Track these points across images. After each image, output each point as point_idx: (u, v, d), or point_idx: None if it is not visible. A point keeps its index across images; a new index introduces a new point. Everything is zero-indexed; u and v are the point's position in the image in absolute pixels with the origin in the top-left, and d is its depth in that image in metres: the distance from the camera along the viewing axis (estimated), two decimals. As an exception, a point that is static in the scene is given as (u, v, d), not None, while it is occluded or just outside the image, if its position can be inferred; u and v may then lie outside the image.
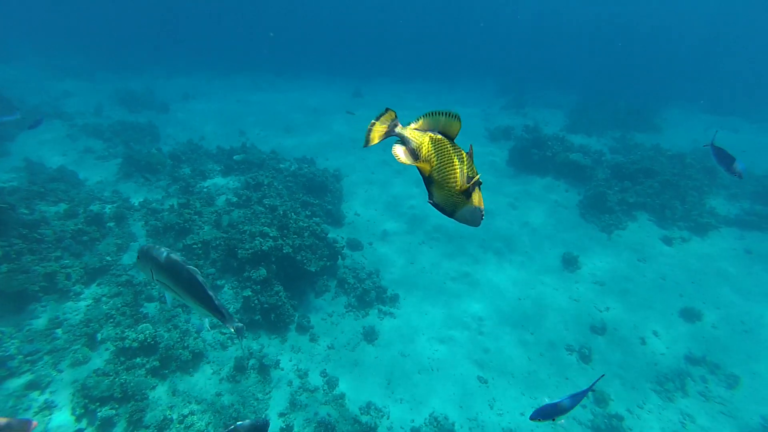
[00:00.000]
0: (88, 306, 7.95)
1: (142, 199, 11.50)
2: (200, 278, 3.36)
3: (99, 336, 7.38)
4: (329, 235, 10.36)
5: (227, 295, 8.82)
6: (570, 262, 11.27)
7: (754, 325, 9.84)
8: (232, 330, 3.36)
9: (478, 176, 1.98)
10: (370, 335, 8.79)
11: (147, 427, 6.25)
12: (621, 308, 10.11)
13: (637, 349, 9.19)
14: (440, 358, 8.58)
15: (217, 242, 9.61)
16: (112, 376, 6.68)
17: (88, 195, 11.65)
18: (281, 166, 13.93)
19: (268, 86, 28.42)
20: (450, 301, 9.98)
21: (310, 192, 12.76)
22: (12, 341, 6.95)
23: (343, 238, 11.15)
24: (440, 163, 2.02)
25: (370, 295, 9.57)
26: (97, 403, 6.32)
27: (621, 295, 10.48)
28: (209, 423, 6.54)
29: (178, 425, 6.40)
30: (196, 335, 7.84)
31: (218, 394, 7.05)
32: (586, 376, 8.52)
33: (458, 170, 1.98)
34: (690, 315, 9.92)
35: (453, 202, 2.01)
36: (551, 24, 53.39)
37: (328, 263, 9.86)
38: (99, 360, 7.05)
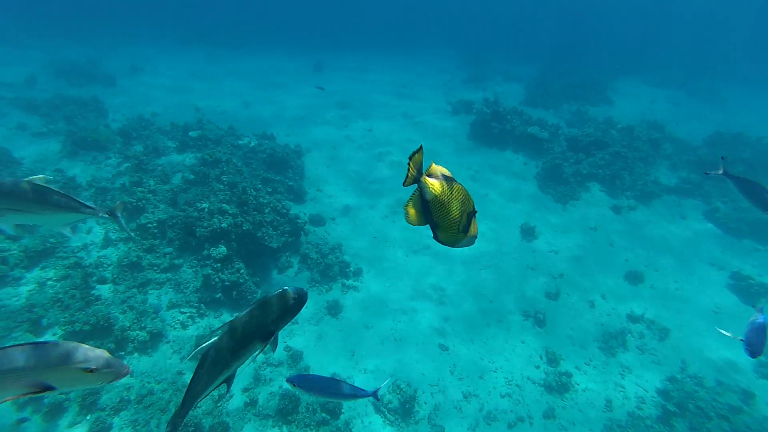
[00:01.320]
0: (30, 291, 7.56)
1: (89, 178, 10.88)
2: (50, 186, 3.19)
3: (45, 321, 7.06)
4: (291, 211, 10.24)
5: (186, 274, 8.62)
6: (528, 232, 11.72)
7: (684, 282, 10.73)
8: (106, 215, 3.17)
9: (473, 210, 2.27)
10: (333, 309, 8.88)
11: (102, 410, 6.12)
12: (574, 273, 10.69)
13: (586, 312, 9.79)
14: (403, 328, 8.82)
15: (174, 221, 9.30)
16: (64, 360, 6.44)
17: (26, 175, 10.87)
18: (240, 142, 13.50)
19: (224, 59, 27.09)
20: (412, 273, 10.20)
21: (271, 168, 12.48)
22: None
23: (305, 213, 11.06)
24: (446, 212, 2.27)
25: (333, 269, 9.62)
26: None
27: (574, 262, 11.06)
28: (170, 401, 6.48)
29: (136, 405, 6.31)
30: (154, 315, 7.66)
31: (179, 373, 6.98)
32: (540, 338, 9.02)
33: (458, 213, 2.25)
34: (633, 277, 10.65)
35: (455, 240, 2.34)
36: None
37: (290, 239, 9.78)
38: (49, 345, 6.76)
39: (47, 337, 6.87)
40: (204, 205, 9.38)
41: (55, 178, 10.90)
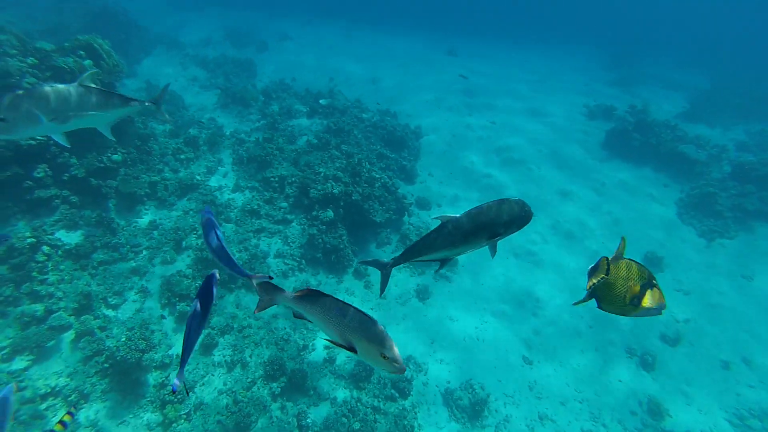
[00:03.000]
0: (178, 216, 8.90)
1: (233, 129, 12.33)
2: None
3: (184, 243, 8.28)
4: (399, 190, 10.39)
5: (295, 230, 9.33)
6: (653, 263, 10.25)
7: None
8: (153, 104, 3.87)
9: (649, 282, 2.22)
10: (422, 293, 8.87)
11: (213, 328, 7.02)
12: (707, 322, 9.08)
13: (716, 371, 8.28)
14: (489, 329, 8.47)
15: (293, 179, 10.10)
16: (190, 279, 7.51)
17: (190, 119, 12.73)
18: (364, 115, 14.00)
19: (362, 35, 28.17)
20: (510, 275, 9.67)
21: (388, 145, 12.76)
22: (123, 232, 8.05)
23: (413, 195, 11.14)
24: (608, 289, 2.33)
25: (428, 255, 9.57)
26: (177, 299, 7.20)
27: (709, 309, 9.38)
28: (263, 339, 7.18)
29: (237, 333, 7.11)
30: (262, 260, 8.48)
31: (274, 316, 7.67)
32: (643, 382, 7.92)
33: (622, 288, 2.24)
34: None
35: (624, 311, 2.30)
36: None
37: (394, 217, 9.95)
38: (182, 263, 7.94)
39: (183, 257, 8.05)
40: (321, 170, 10.00)
41: (208, 125, 12.59)
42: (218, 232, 3.89)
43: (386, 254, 9.69)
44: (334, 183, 9.43)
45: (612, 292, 2.28)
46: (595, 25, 37.04)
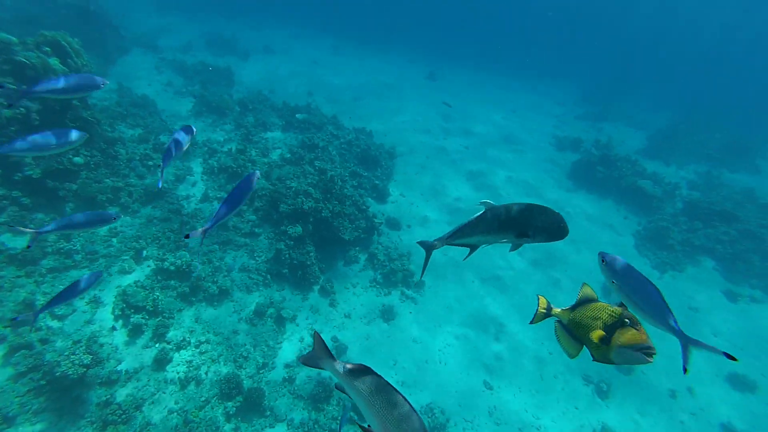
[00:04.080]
0: (141, 224, 8.62)
1: (205, 138, 12.14)
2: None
3: (144, 252, 8.00)
4: (371, 209, 10.44)
5: (262, 244, 9.20)
6: (605, 292, 10.63)
7: (805, 407, 8.88)
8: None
9: (621, 319, 2.15)
10: (387, 314, 8.86)
11: (168, 342, 6.76)
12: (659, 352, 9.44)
13: (664, 399, 8.59)
14: (451, 353, 8.51)
15: (264, 192, 9.99)
16: (148, 290, 7.26)
17: (161, 125, 12.46)
18: (339, 132, 14.10)
19: (347, 53, 28.52)
20: (473, 299, 9.80)
21: (361, 163, 12.86)
22: (79, 239, 7.71)
23: (383, 214, 11.21)
24: (583, 330, 2.31)
25: (396, 275, 9.61)
26: (132, 310, 6.92)
27: (659, 339, 9.76)
28: (221, 355, 6.96)
29: (194, 348, 6.87)
30: (226, 274, 8.30)
31: (235, 332, 7.47)
32: (597, 411, 8.12)
33: (592, 327, 2.21)
34: (740, 383, 9.08)
35: (603, 355, 2.22)
36: (657, 27, 48.82)
37: (363, 236, 9.97)
38: (141, 273, 7.67)
39: (143, 266, 7.76)
40: (293, 184, 9.95)
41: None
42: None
43: (353, 272, 9.66)
44: (304, 198, 9.40)
45: (580, 331, 2.30)
46: (578, 60, 38.93)
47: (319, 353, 2.51)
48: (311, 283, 8.88)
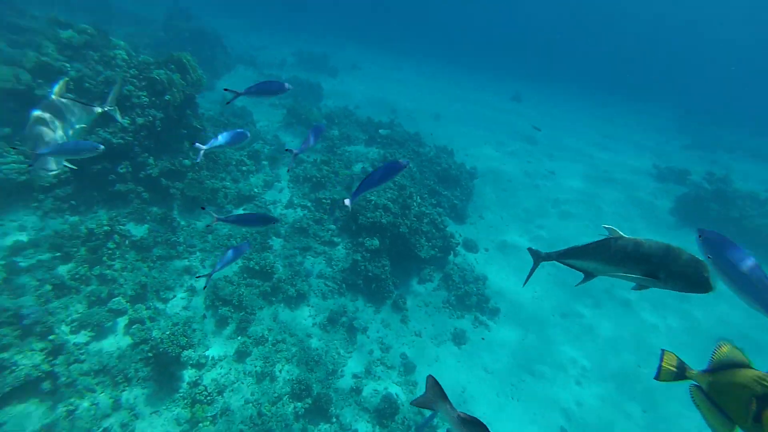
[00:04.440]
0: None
1: (294, 148, 12.89)
2: None
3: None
4: (448, 229, 10.30)
5: (339, 253, 9.44)
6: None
7: None
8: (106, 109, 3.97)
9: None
10: (459, 338, 8.59)
11: (249, 337, 7.15)
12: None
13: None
14: (526, 390, 7.98)
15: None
16: (235, 285, 7.77)
17: (255, 134, 13.48)
18: (421, 149, 14.20)
19: (432, 71, 28.93)
20: (552, 335, 9.16)
21: (441, 182, 12.80)
22: (182, 232, 8.53)
23: (461, 235, 11.00)
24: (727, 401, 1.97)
25: (470, 299, 9.32)
26: (220, 303, 7.44)
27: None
28: (295, 356, 7.19)
29: (271, 346, 7.19)
30: (304, 278, 8.62)
31: (308, 335, 7.69)
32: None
33: (742, 399, 1.88)
34: None
35: None
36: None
37: (439, 255, 9.84)
38: (229, 269, 8.24)
39: (232, 264, 8.32)
40: (372, 198, 10.15)
41: (272, 141, 13.27)
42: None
43: (426, 291, 9.53)
44: (383, 212, 9.53)
45: (725, 401, 1.95)
46: (678, 87, 35.82)
47: (433, 396, 2.43)
48: (384, 297, 8.90)
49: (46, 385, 5.54)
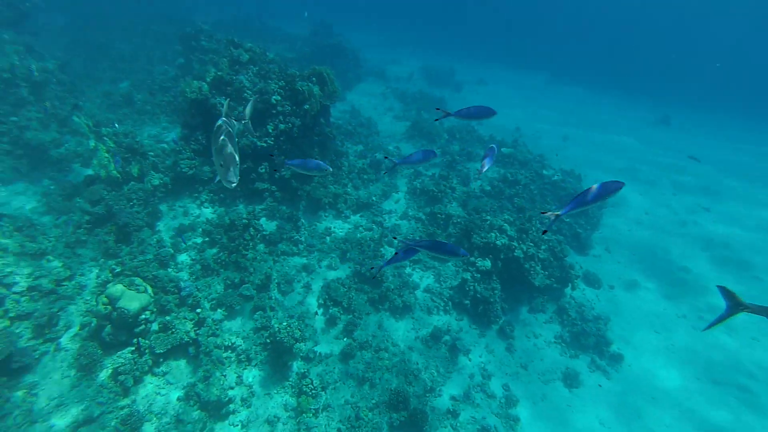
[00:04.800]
0: (349, 229, 9.86)
1: (414, 161, 13.16)
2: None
3: (348, 255, 9.09)
4: (567, 258, 9.48)
5: (449, 270, 9.33)
6: None
7: None
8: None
9: None
10: (571, 380, 7.79)
11: (354, 340, 7.45)
12: None
13: None
14: (647, 455, 6.88)
15: (459, 220, 10.18)
16: (346, 288, 8.19)
17: (378, 144, 14.13)
18: (545, 172, 13.35)
19: (562, 89, 27.23)
20: (697, 404, 7.75)
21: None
22: (304, 232, 9.34)
23: (581, 267, 10.04)
24: None
25: (588, 339, 8.41)
26: (332, 303, 7.91)
27: None
28: (395, 366, 7.28)
29: (373, 352, 7.38)
30: (411, 291, 8.70)
31: (410, 348, 7.72)
32: None
33: None
34: None
35: None
36: None
37: (555, 285, 9.10)
38: (342, 272, 8.73)
39: (344, 267, 8.84)
40: (488, 218, 9.83)
41: (393, 152, 13.75)
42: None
43: (537, 322, 8.87)
44: (498, 234, 9.16)
45: None
46: None
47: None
48: (490, 321, 8.53)
49: (192, 350, 6.49)
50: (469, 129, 16.12)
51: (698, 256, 11.06)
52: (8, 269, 6.72)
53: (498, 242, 9.00)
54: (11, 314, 6.24)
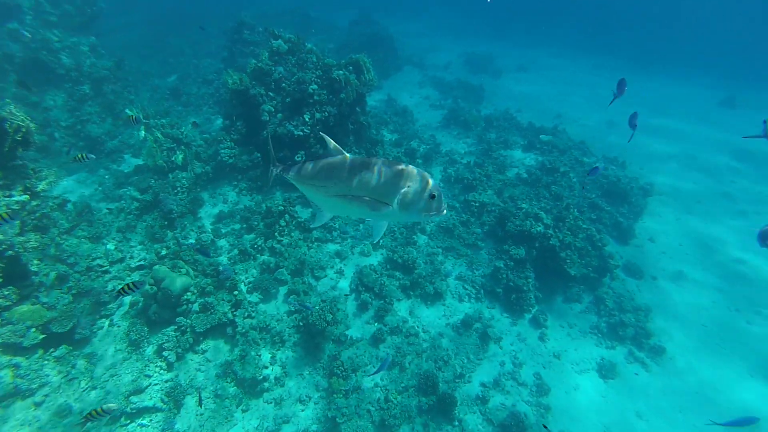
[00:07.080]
0: (383, 216, 9.95)
1: (448, 148, 13.05)
2: None
3: (381, 242, 9.21)
4: (607, 248, 9.13)
5: (482, 258, 9.25)
6: None
7: None
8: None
9: None
10: (606, 371, 7.57)
11: (385, 325, 7.60)
12: None
13: None
14: (688, 453, 6.60)
15: (493, 208, 10.03)
16: (377, 275, 8.33)
17: (414, 133, 14.09)
18: (585, 159, 12.84)
19: (609, 73, 25.78)
20: (743, 398, 7.32)
21: (605, 196, 11.37)
22: (338, 219, 9.54)
23: (621, 257, 9.63)
24: None
25: (626, 330, 8.10)
26: (363, 288, 8.09)
27: None
28: (425, 352, 7.37)
29: (404, 337, 7.51)
30: (443, 278, 8.72)
31: (440, 335, 7.77)
32: None
33: None
34: None
35: None
36: None
37: (593, 275, 8.80)
38: (375, 259, 8.88)
39: (376, 254, 8.97)
40: (524, 206, 9.63)
41: (428, 141, 13.65)
42: None
43: (572, 312, 8.64)
44: (534, 222, 8.96)
45: None
46: None
47: None
48: (523, 310, 8.41)
49: (229, 330, 6.89)
50: (507, 117, 15.71)
51: (760, 250, 10.28)
52: (71, 250, 7.40)
53: (533, 230, 8.81)
54: (74, 291, 6.89)
